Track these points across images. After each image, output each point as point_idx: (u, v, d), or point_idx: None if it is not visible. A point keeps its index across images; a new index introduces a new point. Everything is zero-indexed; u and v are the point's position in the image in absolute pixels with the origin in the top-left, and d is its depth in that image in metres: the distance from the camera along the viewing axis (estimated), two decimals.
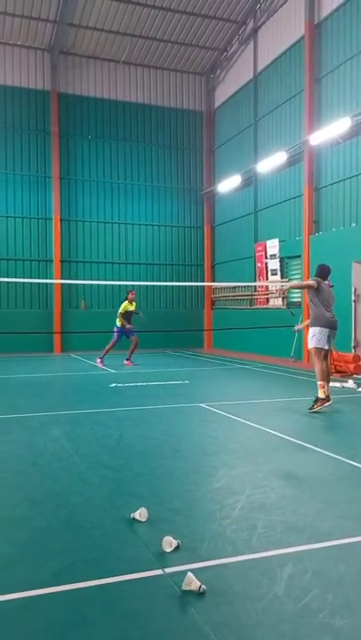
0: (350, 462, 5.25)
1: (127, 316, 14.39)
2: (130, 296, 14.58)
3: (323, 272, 8.47)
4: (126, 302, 14.47)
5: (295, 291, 16.61)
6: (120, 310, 14.44)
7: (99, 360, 14.42)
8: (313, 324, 8.20)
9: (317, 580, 2.97)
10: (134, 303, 14.65)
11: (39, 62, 19.84)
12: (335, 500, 4.30)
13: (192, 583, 2.83)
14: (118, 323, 14.38)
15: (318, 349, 8.09)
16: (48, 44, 19.62)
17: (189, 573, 2.89)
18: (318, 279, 8.27)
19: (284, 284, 7.13)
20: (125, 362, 14.45)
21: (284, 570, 3.08)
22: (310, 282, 8.28)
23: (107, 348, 14.45)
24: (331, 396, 7.96)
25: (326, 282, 8.38)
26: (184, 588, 2.84)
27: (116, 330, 14.42)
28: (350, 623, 2.58)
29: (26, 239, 19.81)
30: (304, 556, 3.28)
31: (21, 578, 3.04)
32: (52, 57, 19.69)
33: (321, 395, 7.90)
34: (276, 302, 17.49)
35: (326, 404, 7.85)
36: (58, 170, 19.87)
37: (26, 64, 19.72)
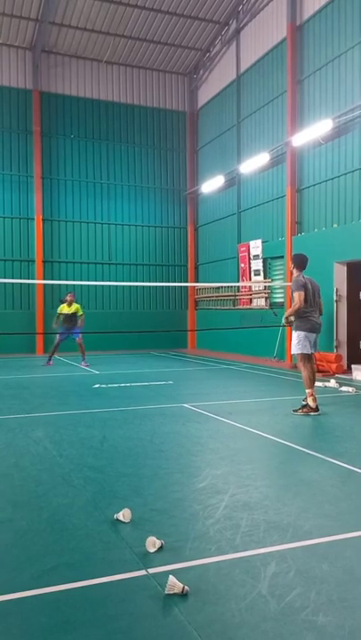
0: (333, 461, 5.29)
1: (66, 318, 14.47)
2: (68, 298, 14.56)
3: (302, 262, 7.91)
4: (64, 305, 14.59)
5: (278, 290, 16.71)
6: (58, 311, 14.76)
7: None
8: (297, 328, 7.74)
9: (301, 579, 2.99)
10: (74, 305, 14.53)
11: (21, 61, 19.68)
12: (318, 498, 4.32)
13: (175, 586, 2.82)
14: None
15: (304, 355, 7.75)
16: (30, 42, 19.48)
17: (171, 577, 2.87)
18: (301, 288, 7.63)
19: (285, 319, 7.01)
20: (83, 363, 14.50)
21: (267, 569, 3.09)
22: (298, 297, 7.56)
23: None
24: (320, 408, 7.66)
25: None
26: (167, 592, 2.81)
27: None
28: (333, 621, 2.60)
29: (7, 239, 19.62)
30: (287, 554, 3.29)
31: (3, 581, 3.01)
32: (34, 55, 19.55)
33: (311, 403, 7.62)
34: (260, 303, 17.56)
35: (313, 414, 7.55)
36: (40, 169, 19.73)
37: (7, 62, 19.54)
